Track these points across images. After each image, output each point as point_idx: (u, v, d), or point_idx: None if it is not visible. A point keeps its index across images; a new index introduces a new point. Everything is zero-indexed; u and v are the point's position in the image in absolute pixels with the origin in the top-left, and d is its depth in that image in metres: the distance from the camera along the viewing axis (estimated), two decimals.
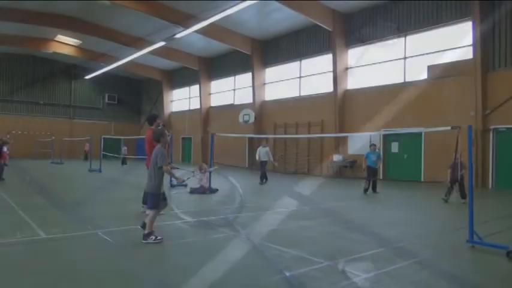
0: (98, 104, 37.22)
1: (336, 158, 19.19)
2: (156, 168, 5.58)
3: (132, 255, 5.08)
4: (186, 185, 12.70)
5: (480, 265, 4.99)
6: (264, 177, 14.63)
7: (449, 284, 4.07)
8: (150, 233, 5.50)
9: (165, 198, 5.83)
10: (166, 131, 6.15)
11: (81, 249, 5.17)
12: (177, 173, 6.05)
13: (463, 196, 9.85)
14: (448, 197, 10.09)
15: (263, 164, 14.70)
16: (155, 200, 5.65)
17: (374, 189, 12.15)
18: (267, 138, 15.42)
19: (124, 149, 27.03)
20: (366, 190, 12.03)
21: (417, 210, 9.24)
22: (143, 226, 5.59)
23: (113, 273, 4.35)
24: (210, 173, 11.77)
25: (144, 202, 7.81)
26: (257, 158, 14.83)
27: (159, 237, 5.50)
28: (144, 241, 5.44)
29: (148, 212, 5.95)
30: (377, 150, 12.93)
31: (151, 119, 8.06)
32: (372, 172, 12.09)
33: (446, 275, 4.34)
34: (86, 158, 28.47)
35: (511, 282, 4.30)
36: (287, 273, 4.15)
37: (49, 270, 4.34)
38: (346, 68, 19.76)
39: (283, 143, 22.92)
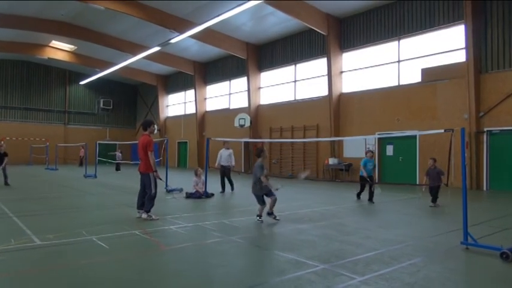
0: (93, 110, 37.16)
1: (332, 161, 19.25)
2: (257, 178, 7.45)
3: (127, 261, 5.06)
4: (181, 190, 12.72)
5: (474, 267, 5.02)
6: (223, 185, 12.78)
7: (444, 286, 4.09)
8: (272, 213, 7.69)
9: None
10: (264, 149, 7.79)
11: (76, 256, 5.14)
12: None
13: (434, 200, 10.05)
14: (434, 203, 10.12)
15: (224, 168, 12.90)
16: (266, 191, 7.57)
17: (370, 199, 11.24)
18: (227, 141, 13.51)
19: (118, 154, 26.72)
20: (359, 196, 11.66)
21: (411, 213, 9.28)
22: (270, 213, 7.64)
23: (108, 279, 4.33)
24: (206, 178, 11.75)
25: (139, 207, 7.86)
26: (217, 162, 12.94)
27: (277, 217, 7.64)
28: (269, 215, 7.60)
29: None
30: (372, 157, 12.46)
31: (146, 125, 8.11)
32: (369, 178, 11.32)
33: (441, 277, 4.37)
34: (81, 164, 28.29)
35: (504, 284, 4.32)
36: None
37: (45, 278, 4.32)
38: (341, 72, 19.87)
39: (279, 147, 22.98)
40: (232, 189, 13.04)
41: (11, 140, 31.70)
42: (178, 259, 5.17)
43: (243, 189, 15.25)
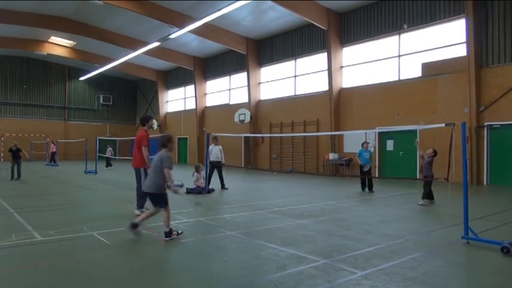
0: (92, 105, 37.10)
1: (332, 156, 19.25)
2: (160, 169, 5.74)
3: (129, 256, 5.07)
4: (182, 185, 12.72)
5: (475, 261, 5.02)
6: (209, 182, 11.97)
7: (445, 280, 4.10)
8: (171, 231, 5.72)
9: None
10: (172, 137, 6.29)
11: (78, 252, 5.14)
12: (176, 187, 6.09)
13: (424, 196, 9.57)
14: (425, 200, 9.69)
15: (215, 165, 12.59)
16: (164, 198, 5.82)
17: (370, 188, 12.17)
18: (216, 136, 13.04)
19: (109, 150, 25.59)
20: (363, 186, 12.12)
21: (412, 207, 9.28)
22: (133, 226, 5.74)
23: (109, 275, 4.34)
24: (206, 173, 11.75)
25: (141, 206, 7.66)
26: (211, 158, 12.50)
27: (180, 231, 5.88)
28: (167, 238, 5.66)
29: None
30: (370, 148, 12.75)
31: (144, 120, 8.08)
32: (365, 169, 12.01)
33: (442, 271, 4.37)
34: (52, 160, 27.77)
35: (505, 277, 4.33)
36: None
37: (46, 273, 4.33)
38: (341, 67, 19.81)
39: (279, 142, 22.97)
40: (223, 186, 12.48)
41: (11, 136, 31.67)
42: (179, 254, 5.17)
43: (243, 184, 15.27)
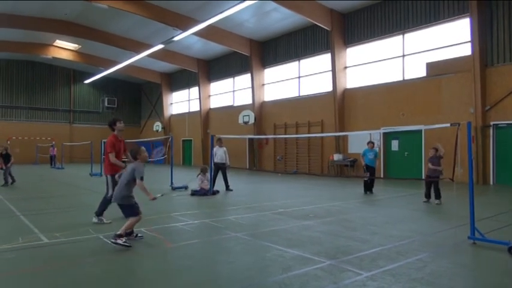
0: (97, 108, 37.30)
1: (337, 157, 19.21)
2: (131, 181, 5.61)
3: (134, 258, 5.09)
4: (186, 187, 12.77)
5: (482, 261, 4.99)
6: (214, 183, 12.01)
7: (451, 281, 4.07)
8: (120, 236, 5.41)
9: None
10: (143, 148, 5.87)
11: (84, 254, 5.17)
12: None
13: (437, 196, 9.73)
14: (428, 198, 9.96)
15: (219, 166, 12.61)
16: (131, 209, 5.65)
17: (370, 189, 12.02)
18: (220, 138, 13.00)
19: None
20: (366, 188, 11.98)
21: (417, 208, 9.24)
22: (116, 237, 5.41)
23: (115, 276, 4.36)
24: (210, 175, 11.77)
25: (99, 213, 7.25)
26: (215, 160, 12.50)
27: (127, 243, 5.40)
28: (112, 240, 5.38)
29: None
30: (375, 147, 12.62)
31: (111, 124, 7.47)
32: (370, 171, 11.84)
33: (448, 272, 4.34)
34: (52, 163, 28.04)
35: None
36: None
37: (53, 276, 4.35)
38: (345, 67, 19.78)
39: (283, 143, 22.95)
40: (227, 188, 12.53)
41: (17, 139, 31.95)
42: (185, 256, 5.18)
43: (248, 186, 15.27)
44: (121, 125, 7.45)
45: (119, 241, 5.35)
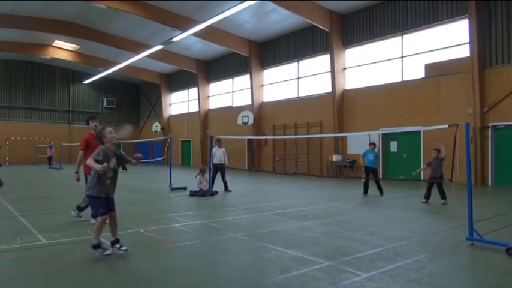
0: (96, 109, 37.24)
1: (335, 158, 19.21)
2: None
3: (134, 259, 5.07)
4: (185, 188, 12.75)
5: (480, 262, 4.99)
6: (213, 184, 12.04)
7: (450, 282, 4.08)
8: (98, 245, 5.00)
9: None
10: (108, 129, 5.32)
11: (82, 254, 5.15)
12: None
13: (443, 196, 9.82)
14: (427, 199, 10.00)
15: (218, 167, 12.54)
16: (93, 205, 5.29)
17: (380, 192, 11.83)
18: (219, 139, 12.95)
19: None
20: (365, 190, 11.96)
21: (416, 209, 9.24)
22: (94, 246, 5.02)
23: (114, 277, 4.36)
24: (209, 176, 11.76)
25: (80, 209, 7.28)
26: (214, 161, 12.50)
27: (107, 252, 4.97)
28: (92, 250, 5.03)
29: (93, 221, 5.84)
30: (376, 150, 12.61)
31: (87, 121, 7.54)
32: (372, 172, 11.83)
33: (446, 273, 4.35)
34: (50, 164, 28.01)
35: (510, 279, 4.30)
36: None
37: (51, 276, 4.35)
38: (344, 68, 19.80)
39: (282, 144, 22.95)
40: (226, 188, 12.46)
41: (15, 139, 31.89)
42: (183, 257, 5.18)
43: (247, 186, 15.27)
44: (93, 124, 7.37)
45: (98, 251, 4.99)
